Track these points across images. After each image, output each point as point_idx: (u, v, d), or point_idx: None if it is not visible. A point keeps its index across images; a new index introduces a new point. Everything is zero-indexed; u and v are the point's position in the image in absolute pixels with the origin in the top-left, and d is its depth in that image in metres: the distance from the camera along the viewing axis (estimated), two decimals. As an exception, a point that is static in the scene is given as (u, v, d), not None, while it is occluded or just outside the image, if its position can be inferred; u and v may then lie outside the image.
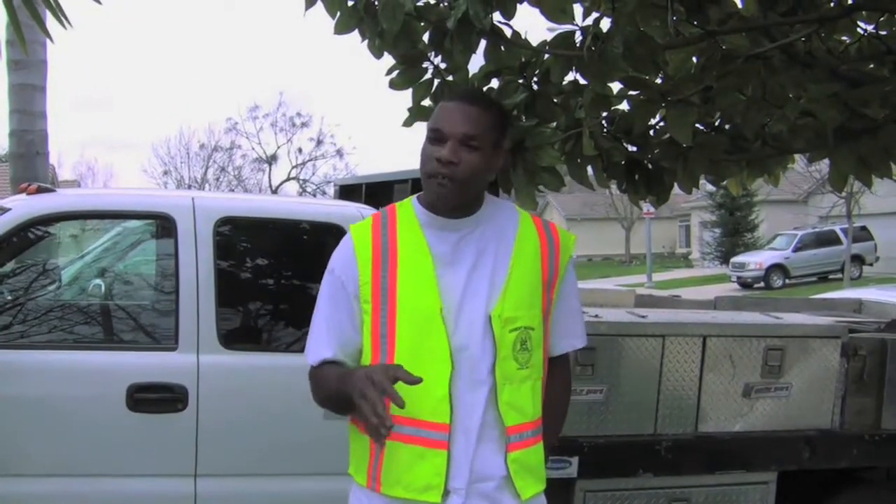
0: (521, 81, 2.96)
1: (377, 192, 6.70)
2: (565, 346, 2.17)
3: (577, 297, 2.18)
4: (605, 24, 2.57)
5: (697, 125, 3.14)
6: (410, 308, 1.94)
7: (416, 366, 1.88)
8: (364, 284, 1.97)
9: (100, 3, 2.87)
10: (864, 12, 2.97)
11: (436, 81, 2.97)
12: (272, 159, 44.97)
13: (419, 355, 1.92)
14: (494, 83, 3.05)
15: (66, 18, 2.85)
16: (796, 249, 29.14)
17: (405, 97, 3.02)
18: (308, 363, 2.06)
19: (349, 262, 2.00)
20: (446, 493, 1.92)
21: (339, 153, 43.98)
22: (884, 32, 3.00)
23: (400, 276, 1.96)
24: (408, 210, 2.04)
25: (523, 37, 2.85)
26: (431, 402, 1.91)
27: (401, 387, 1.85)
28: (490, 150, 1.97)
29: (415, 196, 2.07)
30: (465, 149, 1.93)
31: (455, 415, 1.92)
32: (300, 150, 44.88)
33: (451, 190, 1.94)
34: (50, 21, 3.01)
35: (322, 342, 2.03)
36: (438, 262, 1.97)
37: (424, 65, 2.94)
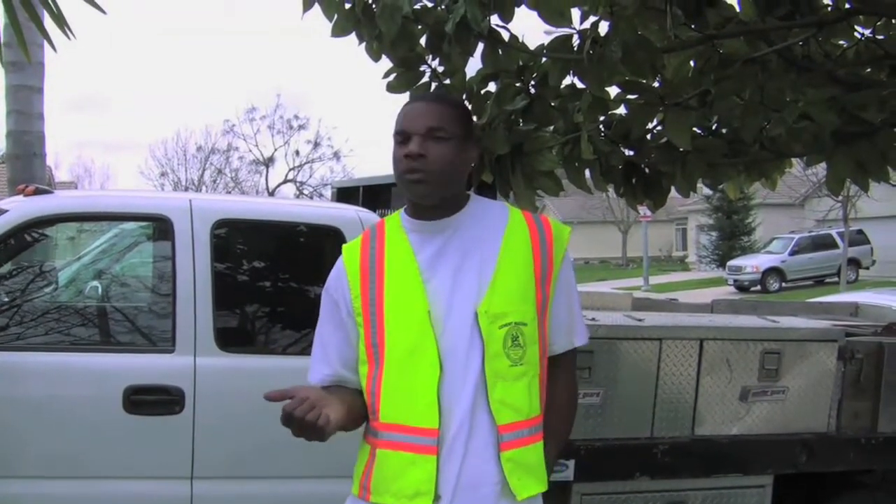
0: (518, 85, 2.96)
1: (375, 195, 6.67)
2: (564, 343, 2.08)
3: (574, 293, 2.11)
4: (604, 27, 2.56)
5: (695, 129, 3.14)
6: (397, 315, 1.94)
7: (407, 372, 1.90)
8: (355, 299, 1.99)
9: (104, 12, 2.83)
10: (861, 17, 2.97)
11: (433, 84, 2.96)
12: (269, 161, 44.87)
13: (409, 362, 1.92)
14: (492, 86, 3.05)
15: (69, 27, 2.81)
16: (793, 253, 29.17)
17: (403, 100, 3.01)
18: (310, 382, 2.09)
19: (341, 281, 2.04)
20: (437, 499, 1.88)
21: (337, 156, 43.83)
22: (881, 37, 3.00)
23: (387, 285, 1.96)
24: (395, 221, 2.05)
25: (521, 40, 2.85)
26: (419, 407, 1.89)
27: (390, 394, 1.91)
28: (458, 141, 1.96)
29: (404, 207, 2.07)
30: (432, 141, 1.92)
31: (444, 418, 1.89)
32: (297, 153, 44.70)
33: (427, 184, 1.93)
34: (48, 24, 2.98)
35: (320, 361, 2.09)
36: (424, 267, 1.95)
37: (422, 68, 2.93)
